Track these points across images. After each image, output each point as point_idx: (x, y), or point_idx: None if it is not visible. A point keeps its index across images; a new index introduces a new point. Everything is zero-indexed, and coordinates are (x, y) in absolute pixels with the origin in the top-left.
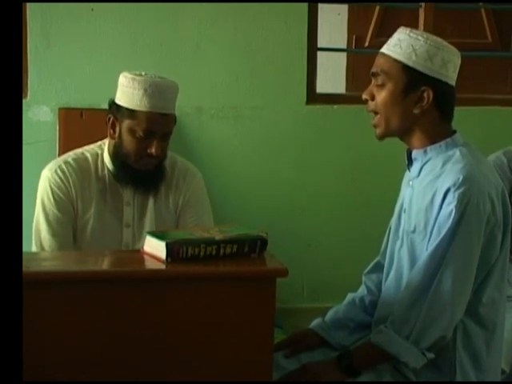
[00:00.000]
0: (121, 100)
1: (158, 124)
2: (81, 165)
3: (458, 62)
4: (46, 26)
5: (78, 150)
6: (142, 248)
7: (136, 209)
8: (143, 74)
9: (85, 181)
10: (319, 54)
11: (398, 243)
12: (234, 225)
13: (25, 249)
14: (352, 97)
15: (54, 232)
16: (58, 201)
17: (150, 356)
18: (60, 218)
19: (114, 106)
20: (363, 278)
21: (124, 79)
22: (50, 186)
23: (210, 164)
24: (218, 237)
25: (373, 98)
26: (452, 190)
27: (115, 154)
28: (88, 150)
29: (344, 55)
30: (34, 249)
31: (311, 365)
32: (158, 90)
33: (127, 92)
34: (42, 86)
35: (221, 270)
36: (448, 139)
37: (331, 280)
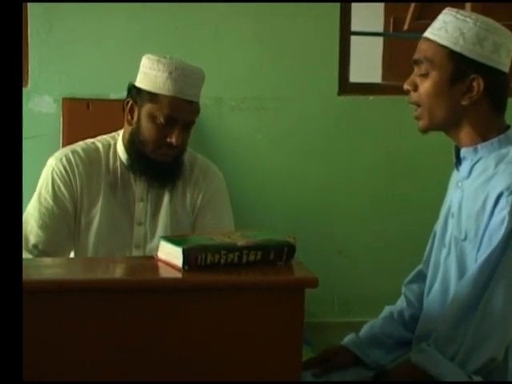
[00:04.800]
0: (142, 83)
1: (181, 111)
2: (90, 155)
3: None
4: (48, 8)
5: (90, 140)
6: (156, 255)
7: (149, 205)
8: (168, 57)
9: (93, 173)
10: (353, 38)
11: (445, 251)
12: (257, 229)
13: None
14: (389, 86)
15: (44, 225)
16: (56, 192)
17: (165, 372)
18: (54, 212)
19: (133, 90)
20: (403, 289)
21: (147, 61)
22: (52, 176)
23: (229, 161)
24: (241, 242)
25: (415, 88)
26: (505, 194)
27: (131, 142)
28: (100, 139)
29: (380, 40)
30: None
31: None
32: (184, 75)
33: (150, 74)
34: (44, 74)
35: (243, 279)
36: (501, 135)
37: (365, 291)
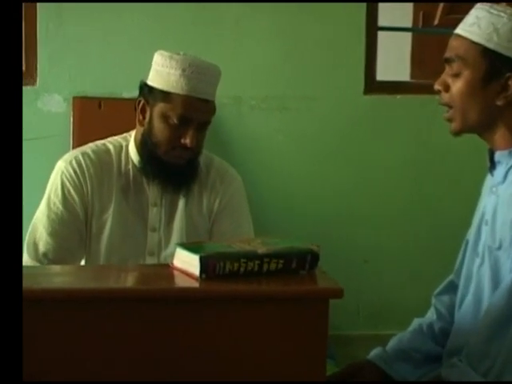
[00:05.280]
0: (154, 81)
1: (195, 110)
2: (101, 157)
3: None
4: (58, 1)
5: (100, 141)
6: (172, 262)
7: (164, 210)
8: (181, 53)
9: (104, 176)
10: (380, 34)
11: (478, 261)
12: (278, 236)
13: None
14: (418, 85)
15: (54, 231)
16: (66, 197)
17: None
18: (64, 217)
19: (145, 88)
20: (433, 301)
21: (160, 57)
22: (62, 179)
23: (249, 163)
24: (261, 250)
25: (447, 88)
26: None
27: (143, 144)
28: (111, 141)
29: (409, 36)
30: (25, 249)
31: None
32: (198, 72)
33: (162, 72)
34: (54, 72)
35: (264, 289)
36: None
37: (393, 302)
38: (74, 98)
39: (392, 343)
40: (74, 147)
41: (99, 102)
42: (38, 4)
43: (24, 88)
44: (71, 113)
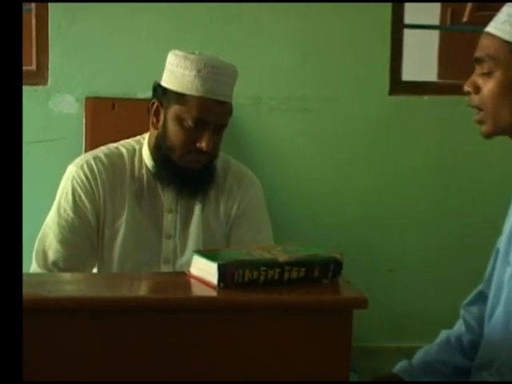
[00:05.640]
0: (168, 82)
1: (211, 112)
2: (114, 161)
3: None
4: (71, 2)
5: (113, 145)
6: (188, 270)
7: (179, 216)
8: (196, 52)
9: (117, 181)
10: (406, 32)
11: (509, 270)
12: (300, 243)
13: None
14: (446, 85)
15: (64, 239)
16: (77, 203)
17: None
18: (75, 224)
19: (159, 89)
20: (461, 312)
21: (173, 57)
22: (73, 184)
23: (268, 167)
24: (282, 258)
25: (477, 90)
26: None
27: (157, 148)
28: (124, 144)
29: (436, 34)
30: (33, 257)
31: None
32: (214, 72)
33: (177, 72)
34: (66, 71)
35: (285, 298)
36: None
37: (419, 313)
38: (87, 99)
39: (418, 356)
40: (86, 150)
41: (113, 102)
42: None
43: (35, 88)
44: (84, 114)
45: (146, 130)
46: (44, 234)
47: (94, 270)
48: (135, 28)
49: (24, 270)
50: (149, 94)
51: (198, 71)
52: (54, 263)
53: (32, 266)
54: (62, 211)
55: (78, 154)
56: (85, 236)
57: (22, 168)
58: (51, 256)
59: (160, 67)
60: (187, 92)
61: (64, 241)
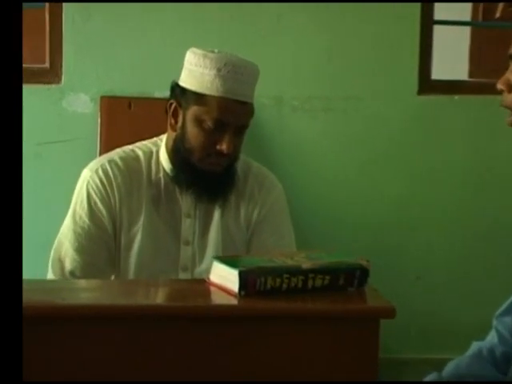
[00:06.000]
0: (187, 82)
1: (232, 113)
2: (130, 165)
3: None
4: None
5: (128, 147)
6: (208, 277)
7: (198, 222)
8: (216, 50)
9: (133, 185)
10: (436, 28)
11: None
12: (324, 249)
13: None
14: (478, 84)
15: (81, 247)
16: (93, 209)
17: None
18: (91, 232)
19: (177, 89)
20: (493, 322)
21: (192, 56)
22: (88, 190)
23: (291, 169)
24: (306, 265)
25: (511, 88)
26: None
27: (175, 151)
28: (140, 146)
29: (468, 31)
30: (49, 266)
31: None
32: (235, 71)
33: (196, 72)
34: (80, 69)
35: (309, 307)
36: None
37: (448, 323)
38: (102, 98)
39: (449, 368)
40: (101, 151)
41: (129, 101)
42: None
43: (48, 87)
44: (98, 114)
45: (164, 131)
46: (59, 242)
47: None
48: (152, 24)
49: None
50: (167, 93)
51: (218, 70)
52: (71, 272)
53: (48, 275)
54: (77, 218)
55: (92, 156)
56: (102, 243)
57: (34, 170)
58: (68, 265)
59: (178, 65)
60: (207, 92)
61: (80, 249)
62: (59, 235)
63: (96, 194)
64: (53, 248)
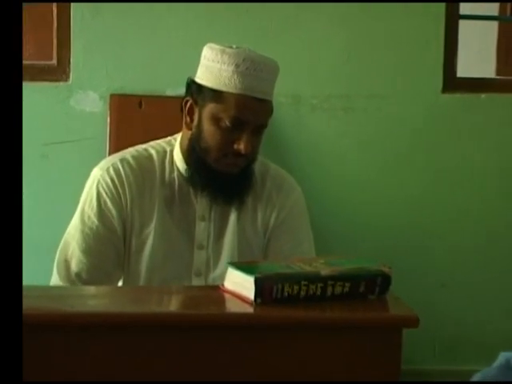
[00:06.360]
0: (203, 78)
1: (250, 111)
2: (142, 164)
3: None
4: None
5: (141, 146)
6: (222, 284)
7: (213, 225)
8: (234, 46)
9: (146, 186)
10: (462, 23)
11: None
12: (344, 255)
13: None
14: (506, 82)
15: (88, 249)
16: (102, 209)
17: None
18: (100, 233)
19: (193, 86)
20: None
21: (210, 51)
22: (98, 189)
23: (310, 171)
24: (325, 271)
25: None
26: None
27: (190, 150)
28: (153, 145)
29: (495, 25)
30: (54, 268)
31: None
32: (254, 68)
33: (213, 68)
34: (89, 66)
35: (328, 316)
36: None
37: (474, 334)
38: (112, 96)
39: (475, 380)
40: (110, 151)
41: (140, 100)
42: None
43: (55, 84)
44: (108, 112)
45: (176, 131)
46: (66, 243)
47: (120, 283)
48: (165, 19)
49: (45, 283)
50: (179, 91)
51: (237, 66)
52: (77, 275)
53: (53, 277)
54: (85, 218)
55: (101, 156)
56: (110, 245)
57: (40, 172)
58: (74, 267)
59: (191, 62)
60: (224, 89)
61: (88, 250)
62: (65, 235)
63: (106, 193)
64: (58, 249)
